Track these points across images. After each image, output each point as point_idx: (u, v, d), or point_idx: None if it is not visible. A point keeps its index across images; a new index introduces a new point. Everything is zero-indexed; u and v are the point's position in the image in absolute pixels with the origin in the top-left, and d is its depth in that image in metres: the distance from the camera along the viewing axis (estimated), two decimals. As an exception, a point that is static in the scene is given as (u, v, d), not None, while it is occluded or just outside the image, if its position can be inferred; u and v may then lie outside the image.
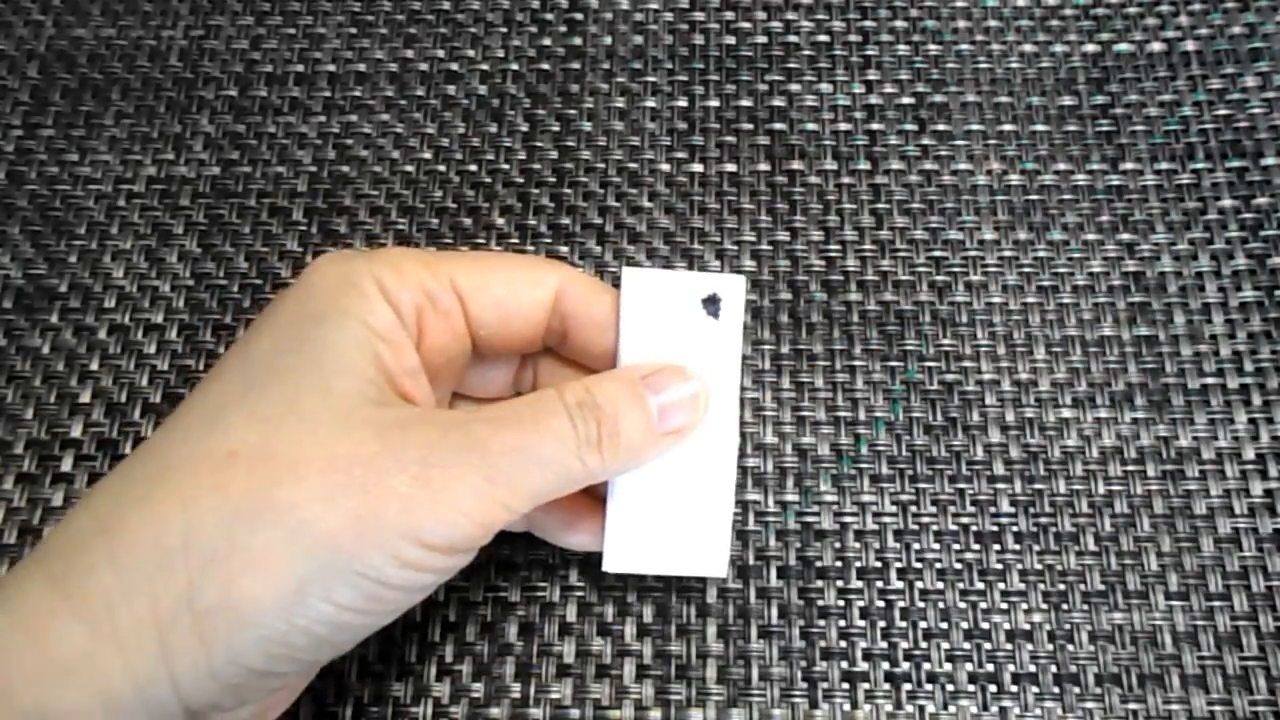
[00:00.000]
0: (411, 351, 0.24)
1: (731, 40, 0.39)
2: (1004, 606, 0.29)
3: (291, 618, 0.20)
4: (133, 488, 0.21)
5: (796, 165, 0.36)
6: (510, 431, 0.22)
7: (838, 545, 0.30)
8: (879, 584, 0.29)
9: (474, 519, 0.21)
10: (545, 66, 0.38)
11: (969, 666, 0.28)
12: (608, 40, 0.39)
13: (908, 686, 0.28)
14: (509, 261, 0.26)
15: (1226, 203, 0.35)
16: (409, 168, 0.36)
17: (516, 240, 0.35)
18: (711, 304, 0.26)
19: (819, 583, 0.29)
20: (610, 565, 0.26)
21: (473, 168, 0.36)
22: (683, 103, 0.37)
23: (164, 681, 0.20)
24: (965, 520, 0.30)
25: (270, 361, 0.22)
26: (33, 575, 0.20)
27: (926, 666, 0.28)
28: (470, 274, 0.25)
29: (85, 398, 0.33)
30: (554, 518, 0.27)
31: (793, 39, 0.38)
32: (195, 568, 0.20)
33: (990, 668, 0.28)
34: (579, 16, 0.39)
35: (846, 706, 0.28)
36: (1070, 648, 0.29)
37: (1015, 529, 0.30)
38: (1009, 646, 0.29)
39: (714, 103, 0.37)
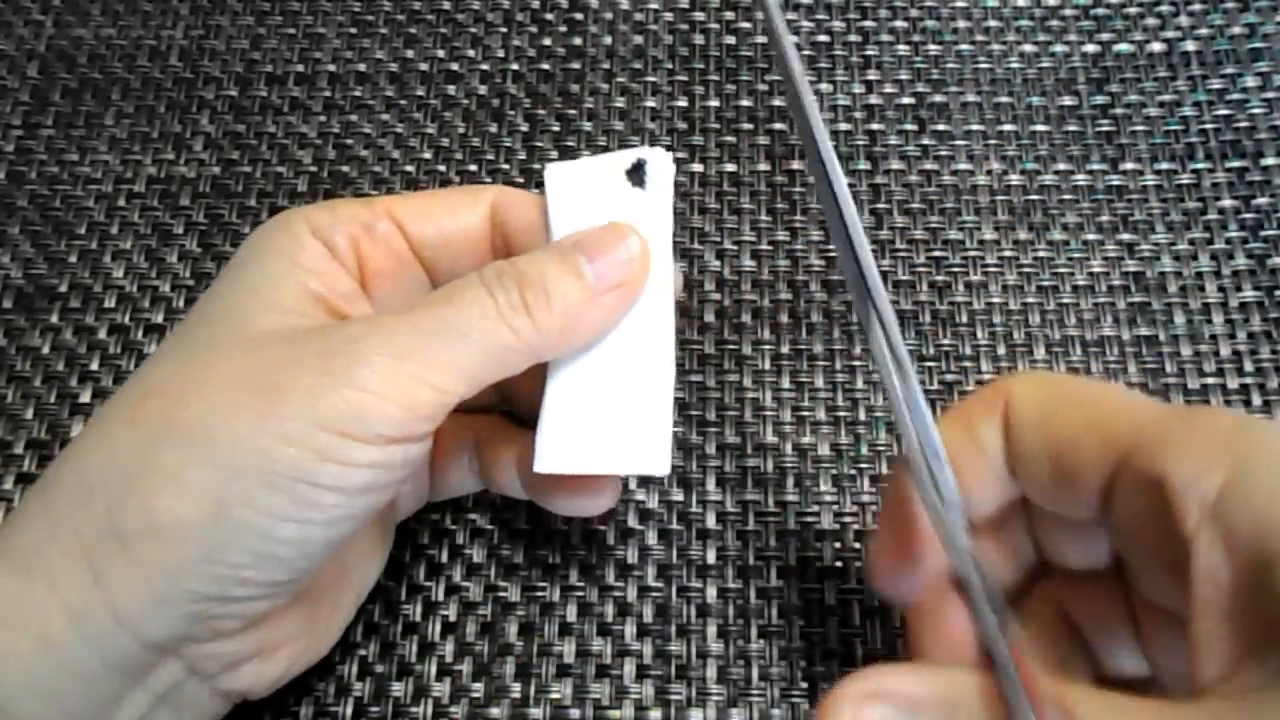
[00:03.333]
0: (345, 278, 0.24)
1: (731, 40, 0.39)
2: (1004, 606, 0.29)
3: (220, 531, 0.20)
4: (68, 448, 0.22)
5: (796, 165, 0.36)
6: (420, 311, 0.22)
7: (838, 545, 0.30)
8: (879, 584, 0.29)
9: (387, 397, 0.21)
10: (545, 66, 0.38)
11: (969, 666, 0.28)
12: (608, 40, 0.39)
13: (908, 686, 0.28)
14: (444, 190, 0.27)
15: (1226, 203, 0.35)
16: (409, 168, 0.36)
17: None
18: (636, 173, 0.25)
19: (819, 583, 0.29)
20: (542, 465, 0.24)
21: (473, 168, 0.36)
22: (683, 103, 0.37)
23: (102, 613, 0.20)
24: (965, 520, 0.30)
25: (198, 313, 0.23)
26: None
27: (926, 666, 0.28)
28: (407, 202, 0.25)
29: (85, 398, 0.33)
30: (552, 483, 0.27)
31: (792, 39, 0.38)
32: (113, 494, 0.20)
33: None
34: (579, 16, 0.39)
35: (846, 706, 0.28)
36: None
37: (1015, 529, 0.30)
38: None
39: (714, 103, 0.37)
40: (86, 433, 0.21)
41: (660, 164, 0.25)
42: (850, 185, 0.35)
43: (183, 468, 0.20)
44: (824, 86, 0.37)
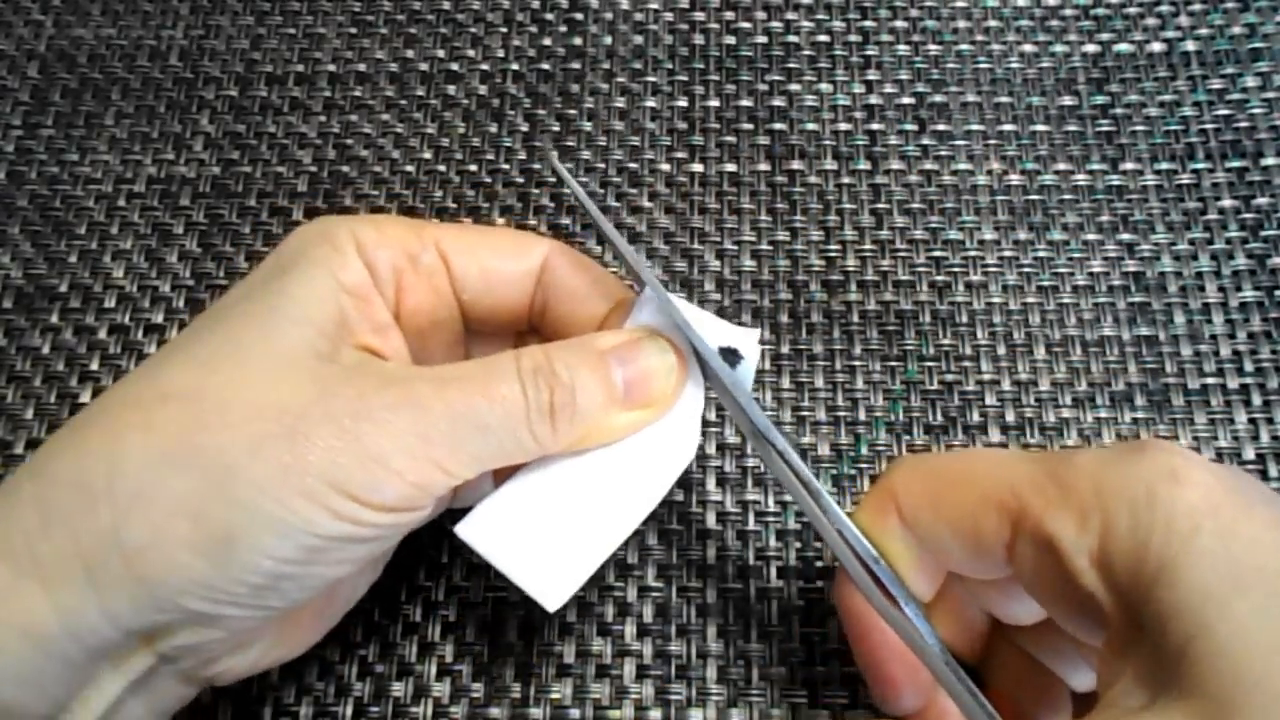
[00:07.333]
0: (382, 308, 0.24)
1: (731, 40, 0.39)
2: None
3: (225, 567, 0.20)
4: (68, 432, 0.21)
5: (796, 165, 0.36)
6: (455, 391, 0.21)
7: (838, 545, 0.30)
8: (879, 584, 0.29)
9: (406, 478, 0.21)
10: (545, 66, 0.38)
11: (969, 666, 0.28)
12: (608, 40, 0.39)
13: (908, 686, 0.28)
14: (498, 231, 0.26)
15: (1226, 203, 0.35)
16: (409, 168, 0.36)
17: (516, 240, 0.35)
18: (730, 356, 0.24)
19: (819, 583, 0.29)
20: (464, 533, 0.23)
21: (473, 168, 0.36)
22: (683, 103, 0.37)
23: (93, 611, 0.20)
24: (965, 520, 0.30)
25: (226, 308, 0.22)
26: None
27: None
28: (457, 238, 0.25)
29: (85, 398, 0.33)
30: None
31: (793, 39, 0.38)
32: (121, 507, 0.20)
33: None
34: (579, 16, 0.39)
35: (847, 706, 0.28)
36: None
37: (1015, 529, 0.30)
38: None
39: (714, 103, 0.37)
40: (89, 423, 0.21)
41: (751, 349, 0.24)
42: (849, 186, 0.35)
43: (198, 499, 0.20)
44: (824, 86, 0.37)
